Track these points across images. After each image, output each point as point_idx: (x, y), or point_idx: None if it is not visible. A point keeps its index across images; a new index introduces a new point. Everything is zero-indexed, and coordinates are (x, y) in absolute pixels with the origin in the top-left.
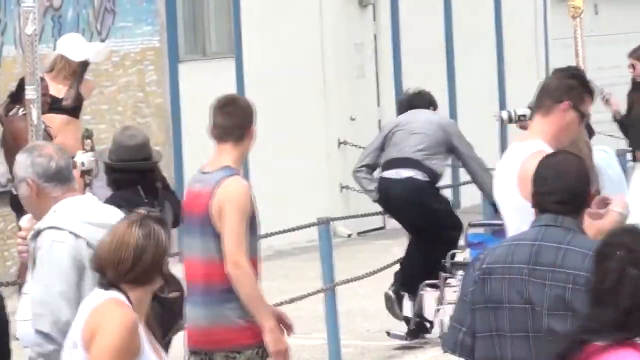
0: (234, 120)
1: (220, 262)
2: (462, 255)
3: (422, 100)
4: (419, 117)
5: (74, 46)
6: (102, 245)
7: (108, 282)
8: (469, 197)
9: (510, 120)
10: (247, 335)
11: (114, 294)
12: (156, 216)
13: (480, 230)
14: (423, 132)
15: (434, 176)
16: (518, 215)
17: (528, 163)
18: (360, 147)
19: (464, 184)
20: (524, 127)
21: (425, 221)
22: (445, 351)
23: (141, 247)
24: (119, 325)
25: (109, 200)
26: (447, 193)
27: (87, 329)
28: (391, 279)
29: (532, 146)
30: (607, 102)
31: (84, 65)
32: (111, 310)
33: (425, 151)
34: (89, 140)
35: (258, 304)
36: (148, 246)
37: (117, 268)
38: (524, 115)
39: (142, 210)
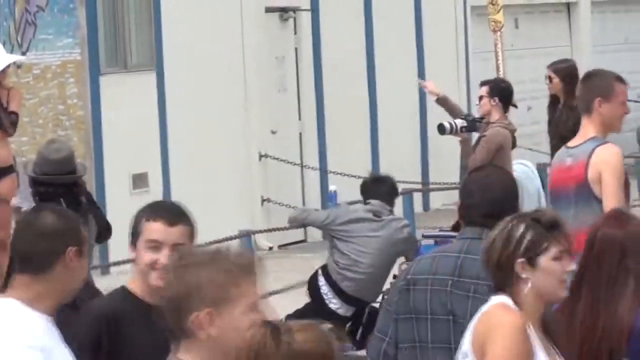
0: (592, 92)
1: None
2: None
3: (380, 188)
4: (374, 231)
5: None
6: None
7: (496, 286)
8: None
9: (451, 131)
10: None
11: (501, 298)
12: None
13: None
14: (372, 253)
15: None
16: None
17: None
18: (281, 160)
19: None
20: (463, 139)
21: None
22: None
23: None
24: (508, 332)
25: None
26: None
27: (476, 338)
28: None
29: None
30: None
31: None
32: (498, 317)
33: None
34: None
35: None
36: None
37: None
38: (465, 127)
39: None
